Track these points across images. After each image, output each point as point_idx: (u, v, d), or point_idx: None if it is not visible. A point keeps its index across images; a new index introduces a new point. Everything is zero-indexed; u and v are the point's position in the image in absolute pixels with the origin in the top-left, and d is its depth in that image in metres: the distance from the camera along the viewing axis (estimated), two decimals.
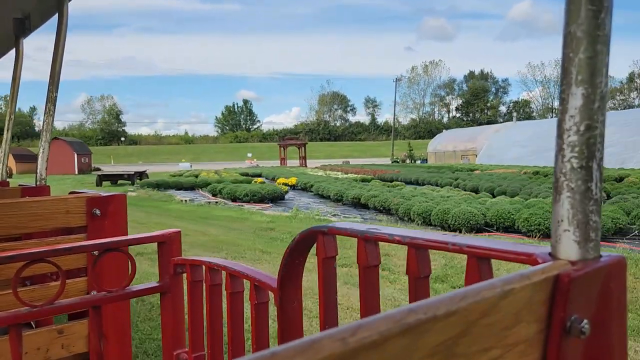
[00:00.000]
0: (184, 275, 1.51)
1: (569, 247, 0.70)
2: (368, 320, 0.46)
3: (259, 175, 28.89)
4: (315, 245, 0.99)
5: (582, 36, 0.66)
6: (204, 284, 1.43)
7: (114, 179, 26.09)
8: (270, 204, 15.60)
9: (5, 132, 3.68)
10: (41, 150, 2.55)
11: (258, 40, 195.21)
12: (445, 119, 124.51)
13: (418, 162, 52.89)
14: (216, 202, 15.68)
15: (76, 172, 44.67)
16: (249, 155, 65.83)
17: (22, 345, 1.22)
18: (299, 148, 47.42)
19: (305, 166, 43.27)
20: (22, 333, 1.63)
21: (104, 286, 1.36)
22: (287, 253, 1.03)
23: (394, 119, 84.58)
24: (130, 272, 1.36)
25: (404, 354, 0.47)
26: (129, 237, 1.44)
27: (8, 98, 3.59)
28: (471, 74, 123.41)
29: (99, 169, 45.28)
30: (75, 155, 46.06)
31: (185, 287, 1.56)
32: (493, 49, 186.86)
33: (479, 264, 0.78)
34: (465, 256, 0.78)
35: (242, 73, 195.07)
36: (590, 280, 0.68)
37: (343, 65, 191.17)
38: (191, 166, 41.44)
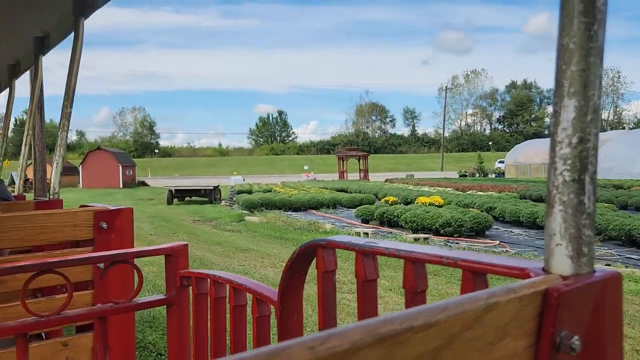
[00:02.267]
0: (191, 288, 1.56)
1: (561, 262, 0.71)
2: (340, 329, 0.47)
3: (345, 191, 24.37)
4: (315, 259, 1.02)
5: (574, 48, 0.68)
6: (209, 297, 1.47)
7: (188, 194, 22.30)
8: (496, 242, 10.28)
9: (22, 147, 3.84)
10: (55, 165, 2.66)
11: (275, 54, 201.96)
12: (487, 131, 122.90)
13: (492, 175, 48.02)
14: (426, 239, 10.34)
15: (121, 186, 41.10)
16: (306, 167, 63.73)
17: (28, 355, 1.29)
18: (358, 160, 44.36)
19: (368, 179, 40.56)
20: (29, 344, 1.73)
21: (111, 298, 1.42)
22: (288, 267, 1.06)
23: (443, 130, 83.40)
24: (137, 284, 1.42)
25: None
26: (136, 249, 1.51)
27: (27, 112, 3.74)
28: (513, 84, 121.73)
29: (143, 183, 43.02)
30: (120, 167, 42.42)
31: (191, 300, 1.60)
32: (513, 61, 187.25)
33: (474, 279, 0.80)
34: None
35: (259, 87, 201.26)
36: (582, 296, 0.69)
37: (360, 79, 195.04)
38: (244, 180, 38.32)
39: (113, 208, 2.12)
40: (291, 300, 1.10)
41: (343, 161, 44.72)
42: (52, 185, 2.68)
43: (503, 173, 49.26)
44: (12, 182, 35.82)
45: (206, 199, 21.99)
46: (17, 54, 3.80)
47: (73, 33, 2.63)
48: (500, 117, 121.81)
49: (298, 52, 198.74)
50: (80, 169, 43.09)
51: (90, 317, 1.42)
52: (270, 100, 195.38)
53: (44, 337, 2.00)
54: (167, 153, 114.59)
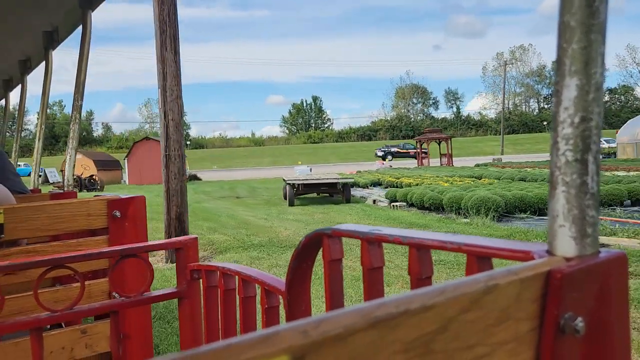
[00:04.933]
0: (201, 281, 1.62)
1: (565, 244, 0.72)
2: (334, 313, 0.49)
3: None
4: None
5: (575, 25, 0.69)
6: (219, 289, 1.53)
7: (315, 190, 17.34)
8: None
9: (36, 141, 3.98)
10: (68, 157, 2.77)
11: (286, 44, 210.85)
12: (535, 110, 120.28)
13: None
14: None
15: None
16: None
17: (42, 348, 1.38)
18: (439, 143, 40.21)
19: (452, 164, 36.83)
20: (47, 333, 1.84)
21: (126, 289, 1.50)
22: (294, 257, 1.10)
23: (503, 110, 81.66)
24: (149, 277, 1.48)
25: (373, 348, 0.49)
26: (146, 243, 1.58)
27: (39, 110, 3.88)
28: None
29: (195, 176, 38.36)
30: None
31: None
32: (526, 43, 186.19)
33: (479, 263, 0.81)
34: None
35: (271, 78, 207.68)
36: (586, 277, 0.70)
37: (372, 66, 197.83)
38: (311, 170, 33.39)
39: (125, 197, 2.23)
40: (298, 290, 1.13)
41: (422, 145, 40.54)
42: (66, 177, 2.78)
43: (614, 153, 43.08)
44: (46, 179, 35.50)
45: (335, 194, 17.33)
46: (28, 50, 3.94)
47: (81, 26, 2.72)
48: (548, 95, 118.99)
49: (309, 41, 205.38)
50: (125, 162, 38.76)
51: (103, 311, 1.50)
52: (282, 90, 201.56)
53: (63, 325, 2.12)
54: (200, 144, 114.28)
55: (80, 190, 28.11)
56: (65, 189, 2.82)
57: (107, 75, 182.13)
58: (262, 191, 22.64)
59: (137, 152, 38.03)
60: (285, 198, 17.27)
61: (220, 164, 69.07)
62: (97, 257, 1.46)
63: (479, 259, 0.81)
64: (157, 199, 19.17)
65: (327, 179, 17.35)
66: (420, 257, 0.89)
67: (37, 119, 3.98)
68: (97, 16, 2.74)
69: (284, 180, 18.71)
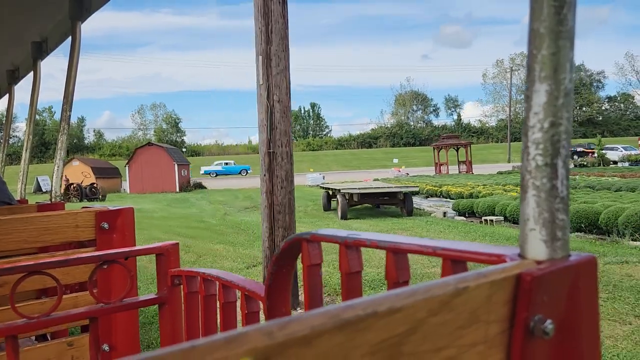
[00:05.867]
0: (182, 286, 1.64)
1: (536, 247, 0.74)
2: (302, 314, 0.50)
3: None
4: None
5: (544, 32, 0.72)
6: (200, 295, 1.54)
7: (372, 200, 15.10)
8: None
9: (24, 152, 3.99)
10: (56, 168, 2.79)
11: None
12: None
13: (624, 164, 39.76)
14: None
15: (177, 189, 35.16)
16: (395, 161, 59.12)
17: (18, 357, 1.37)
18: (457, 150, 39.10)
19: (472, 172, 35.92)
20: (33, 346, 1.84)
21: (112, 297, 1.50)
22: (273, 262, 1.11)
23: (510, 116, 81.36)
24: (129, 283, 1.49)
25: (340, 351, 0.50)
26: (126, 249, 1.59)
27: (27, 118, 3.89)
28: None
29: (200, 185, 36.99)
30: (176, 167, 35.59)
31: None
32: (512, 52, 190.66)
33: (453, 267, 0.82)
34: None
35: None
36: (556, 280, 0.72)
37: (362, 74, 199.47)
38: (324, 177, 31.90)
39: (113, 208, 2.25)
40: (278, 295, 1.15)
41: (439, 152, 39.30)
42: (53, 188, 2.79)
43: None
44: (38, 188, 34.41)
45: (393, 205, 15.25)
46: (16, 60, 3.99)
47: (70, 37, 2.74)
48: None
49: (302, 49, 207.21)
50: (127, 170, 36.93)
51: (81, 318, 1.50)
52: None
53: (49, 338, 2.12)
54: (196, 152, 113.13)
55: (81, 200, 27.44)
56: (53, 199, 2.82)
57: (94, 83, 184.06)
58: None
59: (139, 159, 36.44)
60: (327, 209, 16.07)
61: None
62: (74, 263, 1.46)
63: (454, 263, 0.82)
64: (178, 210, 19.03)
65: (388, 187, 15.53)
66: (397, 261, 0.90)
67: (26, 126, 4.00)
68: (83, 24, 2.76)
69: (322, 188, 17.46)
